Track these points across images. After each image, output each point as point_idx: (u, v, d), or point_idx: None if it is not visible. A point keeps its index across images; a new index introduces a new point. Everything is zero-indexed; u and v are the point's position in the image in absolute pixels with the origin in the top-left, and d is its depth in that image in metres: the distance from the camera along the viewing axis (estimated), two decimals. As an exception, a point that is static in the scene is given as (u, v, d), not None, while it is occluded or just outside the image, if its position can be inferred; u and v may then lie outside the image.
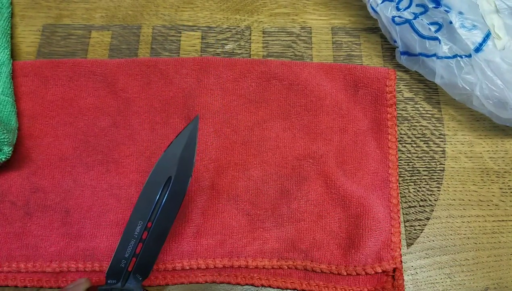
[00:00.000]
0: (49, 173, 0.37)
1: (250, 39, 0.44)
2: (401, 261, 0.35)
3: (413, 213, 0.38)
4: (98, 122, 0.39)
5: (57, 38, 0.43)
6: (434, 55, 0.37)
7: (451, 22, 0.36)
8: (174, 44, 0.43)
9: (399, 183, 0.38)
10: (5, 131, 0.35)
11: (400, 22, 0.39)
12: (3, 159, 0.35)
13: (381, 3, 0.39)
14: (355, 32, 0.44)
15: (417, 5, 0.39)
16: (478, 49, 0.36)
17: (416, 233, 0.37)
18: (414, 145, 0.40)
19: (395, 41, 0.41)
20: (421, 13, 0.38)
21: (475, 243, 0.37)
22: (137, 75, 0.40)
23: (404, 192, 0.38)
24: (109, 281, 0.30)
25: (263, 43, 0.43)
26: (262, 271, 0.35)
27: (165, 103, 0.39)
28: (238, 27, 0.44)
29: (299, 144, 0.38)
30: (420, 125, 0.40)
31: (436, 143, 0.40)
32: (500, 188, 0.39)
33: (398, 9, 0.39)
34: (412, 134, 0.40)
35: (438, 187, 0.38)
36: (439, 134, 0.40)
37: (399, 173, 0.39)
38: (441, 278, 0.36)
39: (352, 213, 0.36)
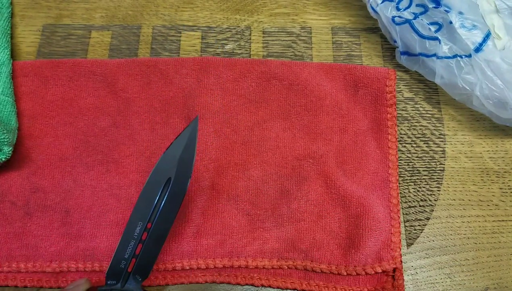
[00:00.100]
0: (49, 173, 0.37)
1: (250, 39, 0.44)
2: (401, 261, 0.35)
3: (413, 213, 0.38)
4: (98, 122, 0.39)
5: (57, 38, 0.43)
6: (434, 55, 0.37)
7: (451, 22, 0.36)
8: (174, 44, 0.43)
9: (399, 183, 0.38)
10: (5, 131, 0.35)
11: (400, 22, 0.39)
12: (3, 159, 0.35)
13: (381, 3, 0.39)
14: (355, 32, 0.44)
15: (417, 5, 0.39)
16: (478, 49, 0.36)
17: (416, 233, 0.37)
18: (414, 145, 0.40)
19: (395, 41, 0.41)
20: (421, 13, 0.38)
21: (475, 243, 0.37)
22: (137, 75, 0.40)
23: (404, 192, 0.38)
24: (108, 282, 0.30)
25: (263, 43, 0.43)
26: (262, 271, 0.36)
27: (165, 103, 0.39)
28: (238, 27, 0.44)
29: (299, 144, 0.38)
30: (420, 125, 0.40)
31: (436, 143, 0.40)
32: (500, 188, 0.39)
33: (398, 9, 0.39)
34: (412, 134, 0.40)
35: (438, 187, 0.38)
36: (439, 134, 0.40)
37: (399, 173, 0.39)
38: (441, 278, 0.36)
39: (352, 213, 0.36)
